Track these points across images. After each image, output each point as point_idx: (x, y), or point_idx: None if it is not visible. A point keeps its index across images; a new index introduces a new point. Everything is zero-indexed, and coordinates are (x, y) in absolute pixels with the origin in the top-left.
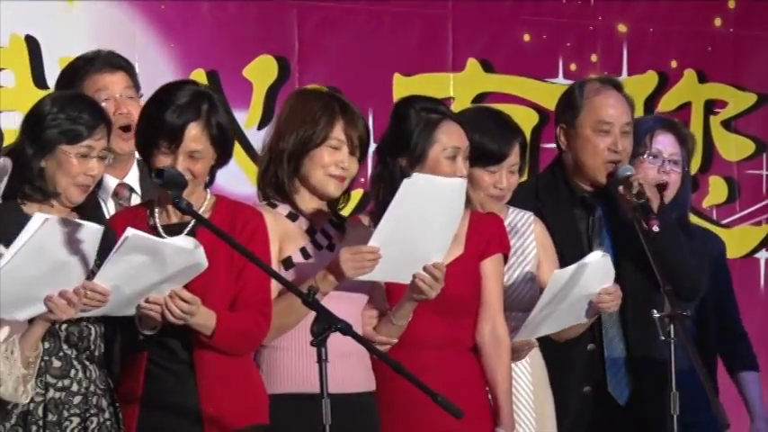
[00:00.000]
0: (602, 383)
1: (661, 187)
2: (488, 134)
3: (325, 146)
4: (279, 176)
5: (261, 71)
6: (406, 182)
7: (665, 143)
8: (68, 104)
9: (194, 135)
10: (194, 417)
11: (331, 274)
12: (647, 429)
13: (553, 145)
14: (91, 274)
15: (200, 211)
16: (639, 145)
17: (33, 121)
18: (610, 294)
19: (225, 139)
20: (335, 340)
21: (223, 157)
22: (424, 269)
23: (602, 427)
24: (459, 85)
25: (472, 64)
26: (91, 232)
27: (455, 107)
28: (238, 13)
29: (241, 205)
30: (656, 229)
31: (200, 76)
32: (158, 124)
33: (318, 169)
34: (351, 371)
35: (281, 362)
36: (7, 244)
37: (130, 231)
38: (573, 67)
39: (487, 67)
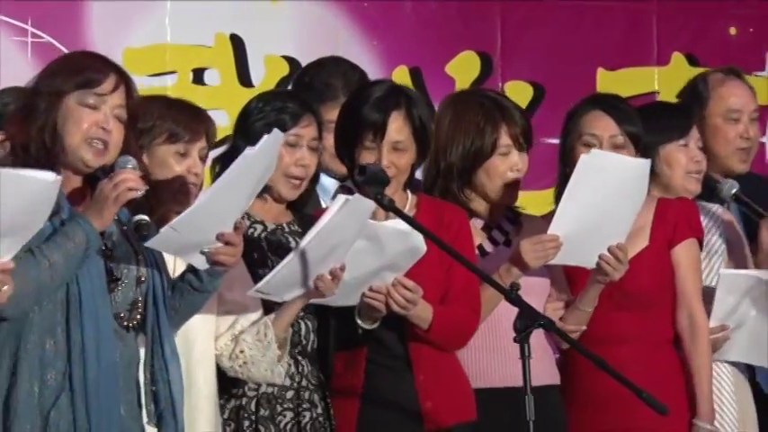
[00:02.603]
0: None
1: None
2: (666, 113)
3: (496, 155)
4: (450, 189)
5: (463, 67)
6: (583, 157)
7: None
8: (273, 97)
9: (397, 126)
10: (414, 412)
11: (514, 266)
12: None
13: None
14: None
15: (405, 210)
16: None
17: (242, 118)
18: None
19: (425, 134)
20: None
21: (422, 154)
22: (609, 250)
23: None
24: (664, 79)
25: (677, 58)
26: (365, 208)
27: None
28: (441, 9)
29: (445, 204)
30: None
31: (402, 72)
32: (359, 119)
33: (495, 179)
34: (536, 365)
35: (474, 356)
36: None
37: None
38: None
39: (692, 61)
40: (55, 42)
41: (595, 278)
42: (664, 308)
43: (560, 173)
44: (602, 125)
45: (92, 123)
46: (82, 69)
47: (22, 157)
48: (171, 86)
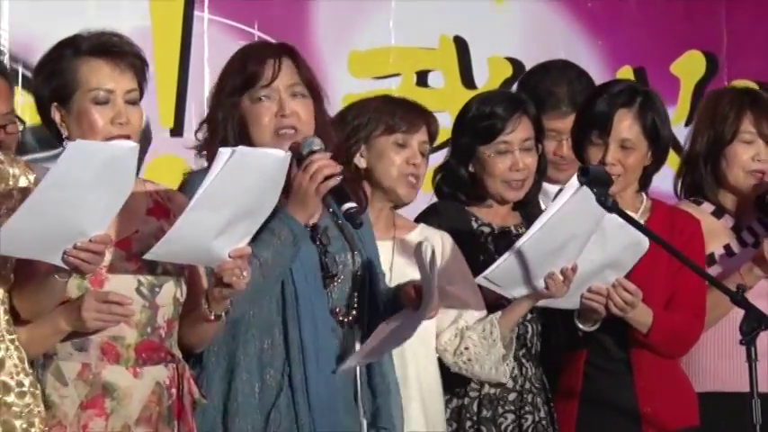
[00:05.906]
0: None
1: None
2: None
3: (737, 141)
4: (696, 180)
5: (689, 67)
6: None
7: None
8: (485, 101)
9: (627, 124)
10: (633, 416)
11: (757, 267)
12: None
13: None
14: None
15: (638, 215)
16: None
17: (455, 125)
18: None
19: (660, 138)
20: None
21: (658, 158)
22: None
23: None
24: None
25: None
26: (597, 206)
27: None
28: (666, 8)
29: (679, 210)
30: None
31: (627, 72)
32: (589, 114)
33: (736, 168)
34: None
35: (700, 359)
36: None
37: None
38: None
39: None
40: None
41: None
42: None
43: None
44: None
45: (271, 116)
46: (241, 68)
47: None
48: (395, 89)
